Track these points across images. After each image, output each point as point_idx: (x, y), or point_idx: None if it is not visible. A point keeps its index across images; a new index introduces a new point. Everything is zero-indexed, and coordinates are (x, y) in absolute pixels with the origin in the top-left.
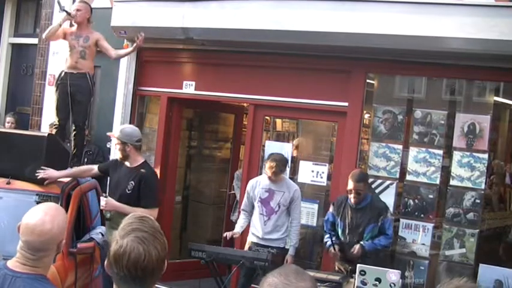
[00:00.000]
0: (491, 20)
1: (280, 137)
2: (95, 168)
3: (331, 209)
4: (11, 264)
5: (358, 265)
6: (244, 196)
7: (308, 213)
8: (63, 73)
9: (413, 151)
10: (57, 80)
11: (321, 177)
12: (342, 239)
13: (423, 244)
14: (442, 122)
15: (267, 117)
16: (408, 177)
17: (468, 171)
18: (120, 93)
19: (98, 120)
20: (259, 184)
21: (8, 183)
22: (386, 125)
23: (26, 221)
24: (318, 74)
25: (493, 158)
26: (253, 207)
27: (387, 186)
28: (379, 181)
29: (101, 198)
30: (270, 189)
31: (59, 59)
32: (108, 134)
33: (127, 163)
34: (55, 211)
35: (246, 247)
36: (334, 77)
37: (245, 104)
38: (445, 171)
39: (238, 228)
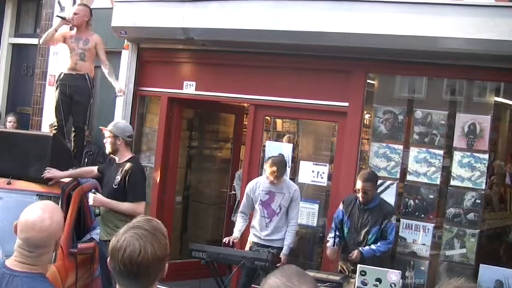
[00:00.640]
0: (491, 20)
1: (281, 137)
2: (95, 169)
3: (341, 207)
4: (9, 263)
5: (358, 265)
6: (244, 198)
7: (308, 214)
8: (62, 74)
9: (413, 151)
10: (57, 81)
11: (322, 178)
12: (347, 238)
13: (423, 244)
14: (443, 122)
15: (267, 118)
16: (409, 178)
17: (469, 172)
18: None
19: (98, 121)
20: (259, 186)
21: (9, 183)
22: (386, 125)
23: (25, 218)
24: (318, 74)
25: (494, 158)
26: (252, 208)
27: (388, 187)
28: (380, 181)
29: (89, 194)
30: (270, 191)
31: (59, 60)
32: (100, 127)
33: (116, 159)
34: (52, 208)
35: (247, 247)
36: (335, 77)
37: (245, 104)
38: (446, 172)
39: (236, 233)
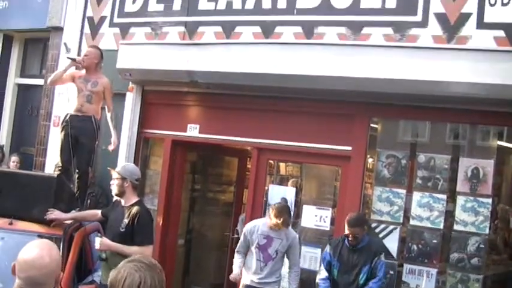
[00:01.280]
0: (492, 64)
1: (284, 181)
2: (99, 213)
3: (328, 249)
4: None
5: None
6: (241, 237)
7: (311, 258)
8: (68, 115)
9: (416, 195)
10: (63, 122)
11: (325, 222)
12: (338, 279)
13: None
14: (446, 166)
15: (270, 161)
16: (412, 222)
17: (472, 216)
18: (124, 135)
19: (102, 162)
20: (257, 230)
21: (11, 223)
22: (390, 169)
23: (24, 257)
24: (321, 118)
25: (497, 203)
26: (248, 248)
27: (391, 231)
28: (383, 226)
29: (96, 238)
30: (268, 236)
31: (64, 101)
32: (108, 168)
33: (122, 202)
34: (49, 245)
35: None
36: (338, 121)
37: (249, 148)
38: (449, 216)
39: (237, 269)
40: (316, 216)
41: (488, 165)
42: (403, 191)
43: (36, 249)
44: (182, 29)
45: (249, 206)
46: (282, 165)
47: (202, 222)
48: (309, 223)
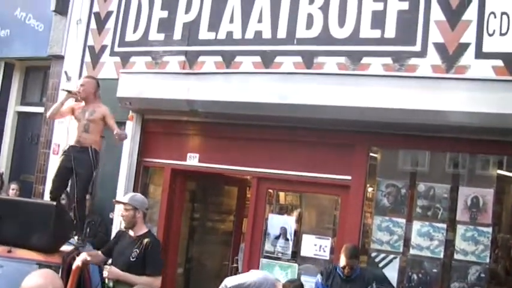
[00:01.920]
0: (491, 93)
1: (283, 210)
2: (99, 253)
3: (319, 279)
4: None
5: None
6: None
7: None
8: (68, 146)
9: (416, 225)
10: (63, 151)
11: (324, 251)
12: None
13: None
14: (446, 195)
15: (270, 190)
16: (412, 251)
17: (472, 245)
18: (124, 164)
19: (101, 190)
20: None
21: (9, 251)
22: (389, 198)
23: (27, 285)
24: (321, 147)
25: (498, 232)
26: None
27: (390, 260)
28: (383, 255)
29: (104, 267)
30: None
31: (64, 128)
32: (114, 200)
33: (131, 232)
34: (52, 275)
35: None
36: (338, 151)
37: (248, 177)
38: (449, 245)
39: None
40: (315, 245)
41: (488, 194)
42: (402, 220)
43: (37, 278)
44: (182, 58)
45: (248, 235)
46: (282, 194)
47: (201, 251)
48: (308, 252)
